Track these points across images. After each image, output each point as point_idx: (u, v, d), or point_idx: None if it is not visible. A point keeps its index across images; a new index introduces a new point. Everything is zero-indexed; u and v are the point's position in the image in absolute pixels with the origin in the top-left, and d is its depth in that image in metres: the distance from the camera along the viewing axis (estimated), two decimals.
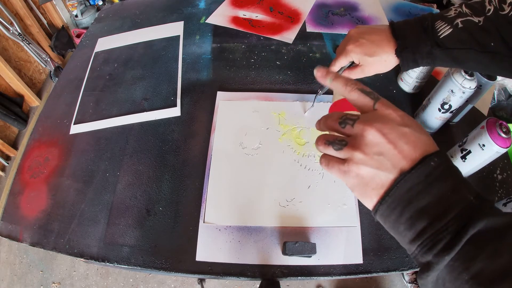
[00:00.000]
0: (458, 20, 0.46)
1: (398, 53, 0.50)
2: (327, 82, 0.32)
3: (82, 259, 0.59)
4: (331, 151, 0.30)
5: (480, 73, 0.61)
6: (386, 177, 0.27)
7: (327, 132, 0.32)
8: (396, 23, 0.52)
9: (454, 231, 0.24)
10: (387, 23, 0.53)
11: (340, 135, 0.30)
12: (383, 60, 0.51)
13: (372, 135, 0.27)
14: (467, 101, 0.63)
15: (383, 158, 0.27)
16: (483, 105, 0.75)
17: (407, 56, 0.50)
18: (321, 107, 0.72)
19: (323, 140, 0.31)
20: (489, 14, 0.43)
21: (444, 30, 0.46)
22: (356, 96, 0.30)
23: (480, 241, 0.24)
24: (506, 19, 0.42)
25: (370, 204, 0.29)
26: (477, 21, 0.44)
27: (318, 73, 0.33)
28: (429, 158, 0.26)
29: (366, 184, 0.28)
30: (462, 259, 0.24)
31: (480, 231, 0.24)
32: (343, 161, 0.29)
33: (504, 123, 0.52)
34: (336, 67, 0.55)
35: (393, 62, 0.52)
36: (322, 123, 0.33)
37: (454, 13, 0.47)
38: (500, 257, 0.23)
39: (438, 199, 0.25)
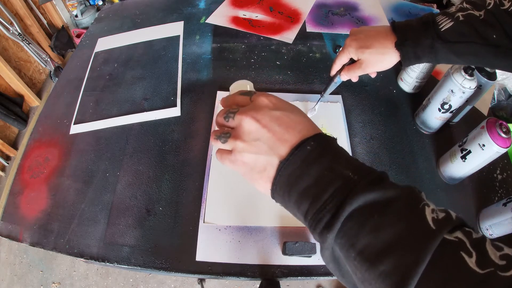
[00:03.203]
0: (459, 14, 0.46)
1: (398, 46, 0.49)
2: (224, 105, 0.36)
3: (82, 259, 0.59)
4: (220, 144, 0.32)
5: (483, 68, 0.61)
6: (266, 160, 0.29)
7: None
8: (397, 21, 0.52)
9: (334, 209, 0.24)
10: (387, 23, 0.53)
11: (227, 128, 0.33)
12: (380, 53, 0.51)
13: (247, 123, 0.30)
14: (467, 101, 0.63)
15: (260, 142, 0.29)
16: (483, 105, 0.75)
17: (408, 50, 0.49)
18: (324, 106, 0.72)
19: (213, 136, 0.33)
20: (489, 7, 0.44)
21: (445, 23, 0.46)
22: (238, 98, 0.34)
23: (362, 216, 0.24)
24: (507, 13, 0.43)
25: (264, 191, 0.31)
26: (478, 15, 0.45)
27: (221, 103, 0.37)
28: (306, 143, 0.27)
29: (252, 169, 0.30)
30: (347, 236, 0.24)
31: (361, 206, 0.24)
32: (230, 151, 0.31)
33: (504, 123, 0.52)
34: (337, 65, 0.56)
35: (393, 58, 0.51)
36: (215, 121, 0.36)
37: (455, 9, 0.47)
38: (383, 232, 0.23)
39: (315, 179, 0.26)
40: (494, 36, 0.44)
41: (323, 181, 0.26)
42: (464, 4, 0.47)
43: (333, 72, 0.57)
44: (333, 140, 0.29)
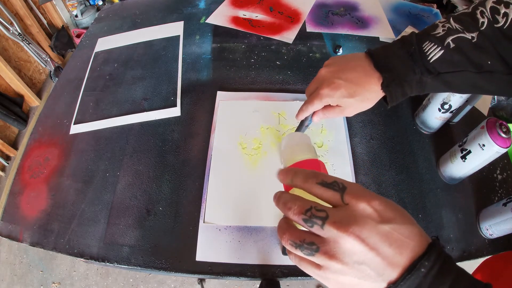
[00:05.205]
0: (449, 40, 0.41)
1: (385, 87, 0.44)
2: (288, 182, 0.30)
3: (82, 259, 0.59)
4: (300, 253, 0.26)
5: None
6: (371, 286, 0.25)
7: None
8: (375, 52, 0.46)
9: None
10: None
11: (305, 231, 0.27)
12: (366, 99, 0.46)
13: (349, 243, 0.24)
14: (467, 101, 0.63)
15: (365, 267, 0.24)
16: (483, 105, 0.75)
17: (395, 90, 0.44)
18: None
19: (287, 240, 0.27)
20: (483, 28, 0.39)
21: (435, 53, 0.41)
22: (319, 192, 0.27)
23: None
24: (501, 32, 0.38)
25: None
26: (470, 38, 0.40)
27: (280, 176, 0.31)
28: (419, 264, 0.24)
29: None
30: None
31: None
32: (318, 265, 0.26)
33: (504, 123, 0.52)
34: (308, 112, 0.50)
35: (378, 97, 0.47)
36: (281, 209, 0.28)
37: (443, 30, 0.42)
38: None
39: None
40: (489, 62, 0.39)
41: None
42: (453, 24, 0.41)
43: (301, 117, 0.51)
44: (444, 251, 0.25)
